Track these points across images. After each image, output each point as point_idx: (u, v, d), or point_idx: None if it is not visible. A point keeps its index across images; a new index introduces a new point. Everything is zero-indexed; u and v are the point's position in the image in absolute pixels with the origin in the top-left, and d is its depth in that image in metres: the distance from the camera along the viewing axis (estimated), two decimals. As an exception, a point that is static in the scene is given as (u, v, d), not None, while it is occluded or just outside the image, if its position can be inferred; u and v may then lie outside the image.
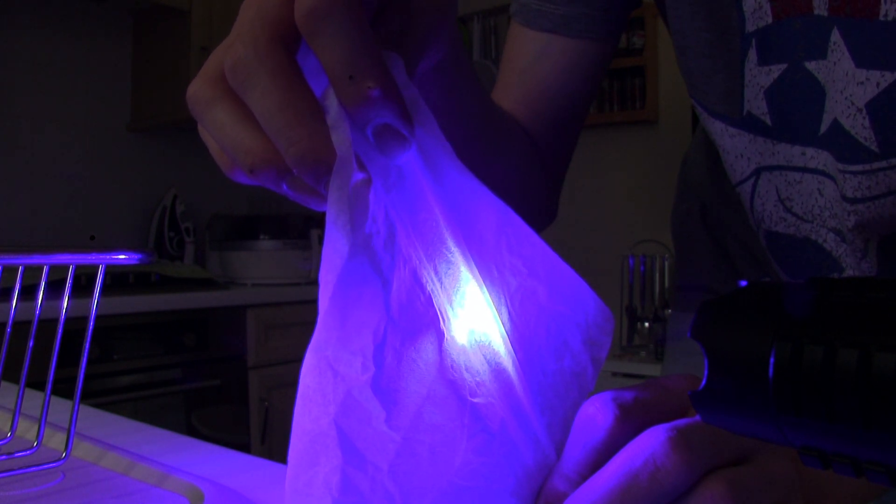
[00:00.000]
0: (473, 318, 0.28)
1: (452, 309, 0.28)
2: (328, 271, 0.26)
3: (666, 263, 2.39)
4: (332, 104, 0.27)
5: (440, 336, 0.28)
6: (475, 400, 0.28)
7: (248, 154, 0.26)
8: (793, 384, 0.20)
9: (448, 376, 0.28)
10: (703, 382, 0.22)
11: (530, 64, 0.58)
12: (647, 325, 2.38)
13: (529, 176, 0.57)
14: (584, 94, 0.59)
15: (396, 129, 0.26)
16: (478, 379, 0.28)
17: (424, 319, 0.28)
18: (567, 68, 0.57)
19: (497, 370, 0.28)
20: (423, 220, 0.28)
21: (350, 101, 0.26)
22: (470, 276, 0.28)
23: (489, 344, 0.28)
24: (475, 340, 0.28)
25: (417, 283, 0.28)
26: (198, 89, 0.27)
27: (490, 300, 0.29)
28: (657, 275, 2.40)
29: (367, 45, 0.25)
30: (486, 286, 0.29)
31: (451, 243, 0.28)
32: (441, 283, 0.28)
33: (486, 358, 0.28)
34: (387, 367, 0.27)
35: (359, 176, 0.26)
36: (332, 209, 0.26)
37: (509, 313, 0.29)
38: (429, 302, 0.28)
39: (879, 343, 0.18)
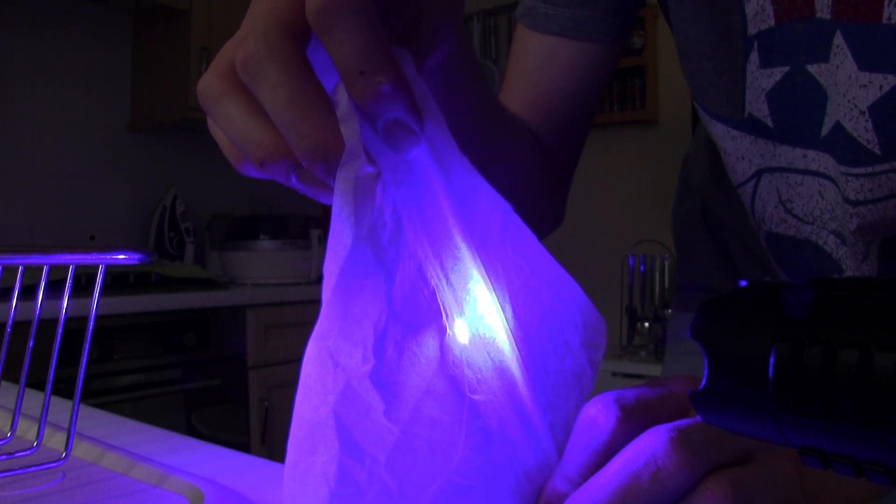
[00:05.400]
0: (479, 314, 0.28)
1: (458, 305, 0.28)
2: (332, 262, 0.26)
3: (666, 263, 2.39)
4: (342, 99, 0.27)
5: (442, 331, 0.28)
6: (475, 397, 0.28)
7: (258, 147, 0.26)
8: (793, 384, 0.20)
9: (449, 372, 0.28)
10: (703, 382, 0.22)
11: (537, 67, 0.58)
12: (647, 325, 2.38)
13: (535, 177, 0.57)
14: (592, 97, 0.59)
15: (406, 124, 0.27)
16: (479, 376, 0.28)
17: (427, 314, 0.28)
18: (575, 71, 0.57)
19: (500, 368, 0.28)
20: (430, 215, 0.28)
21: (361, 96, 0.26)
22: (476, 272, 0.28)
23: (493, 341, 0.28)
24: (479, 337, 0.28)
25: (422, 278, 0.28)
26: (208, 83, 0.28)
27: (495, 298, 0.29)
28: (657, 275, 2.40)
29: (377, 41, 0.26)
30: (491, 283, 0.29)
31: (458, 239, 0.28)
32: (447, 279, 0.28)
33: (489, 355, 0.28)
34: (387, 360, 0.27)
35: (367, 169, 0.26)
36: (338, 201, 0.26)
37: (514, 311, 0.29)
38: (432, 297, 0.28)
39: (879, 343, 0.18)
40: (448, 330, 0.28)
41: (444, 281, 0.28)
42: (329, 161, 0.25)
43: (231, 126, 0.27)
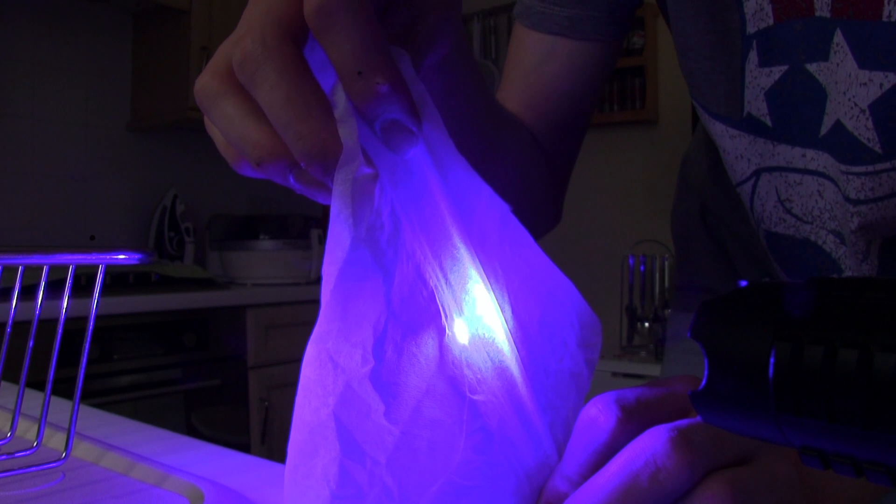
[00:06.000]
0: (478, 315, 0.28)
1: (457, 305, 0.28)
2: (330, 264, 0.26)
3: (666, 263, 2.39)
4: (340, 99, 0.27)
5: (441, 332, 0.28)
6: (475, 397, 0.28)
7: (256, 147, 0.26)
8: (793, 384, 0.20)
9: (448, 372, 0.27)
10: (703, 382, 0.22)
11: (535, 66, 0.58)
12: (647, 325, 2.38)
13: (533, 177, 0.57)
14: (590, 96, 0.59)
15: (404, 124, 0.27)
16: (478, 376, 0.28)
17: (426, 315, 0.28)
18: (572, 70, 0.57)
19: (500, 368, 0.28)
20: (429, 216, 0.28)
21: (358, 97, 0.26)
22: (475, 273, 0.28)
23: (493, 341, 0.28)
24: (478, 337, 0.28)
25: (420, 279, 0.28)
26: (205, 83, 0.28)
27: (494, 298, 0.29)
28: (657, 275, 2.40)
29: (375, 41, 0.26)
30: (490, 284, 0.29)
31: (456, 240, 0.28)
32: (446, 280, 0.28)
33: (489, 355, 0.28)
34: (387, 361, 0.27)
35: (365, 170, 0.26)
36: (337, 202, 0.26)
37: (513, 312, 0.29)
38: (431, 297, 0.28)
39: (879, 343, 0.18)
40: (447, 330, 0.28)
41: (442, 281, 0.28)
42: (327, 161, 0.25)
43: (228, 126, 0.27)
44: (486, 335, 0.28)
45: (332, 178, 0.26)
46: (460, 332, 0.28)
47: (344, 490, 0.26)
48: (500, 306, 0.29)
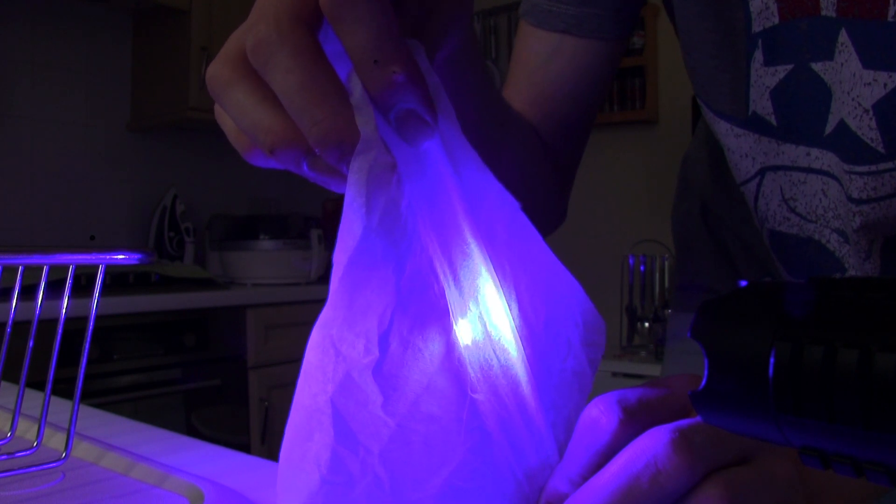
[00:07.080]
0: (486, 312, 0.28)
1: (466, 302, 0.28)
2: (341, 251, 0.26)
3: (666, 263, 2.39)
4: (356, 88, 0.26)
5: (449, 328, 0.28)
6: (476, 396, 0.28)
7: (269, 134, 0.26)
8: (793, 384, 0.20)
9: (452, 369, 0.27)
10: (703, 382, 0.22)
11: (541, 64, 0.58)
12: (647, 325, 2.38)
13: (539, 175, 0.57)
14: (595, 95, 0.59)
15: (420, 115, 0.26)
16: (482, 374, 0.28)
17: (435, 310, 0.27)
18: (578, 69, 0.57)
19: (505, 367, 0.28)
20: (441, 210, 0.28)
21: (374, 86, 0.26)
22: (485, 270, 0.28)
23: (499, 339, 0.28)
24: (485, 335, 0.28)
25: (432, 273, 0.27)
26: (217, 70, 0.27)
27: (503, 296, 0.29)
28: (657, 275, 2.40)
29: (391, 31, 0.25)
30: (499, 281, 0.29)
31: (467, 235, 0.28)
32: (455, 276, 0.28)
33: (495, 353, 0.28)
34: (391, 353, 0.26)
35: (382, 158, 0.26)
36: (351, 190, 0.26)
37: (520, 310, 0.29)
38: (441, 293, 0.27)
39: (879, 343, 0.18)
40: (455, 327, 0.28)
41: (452, 277, 0.28)
42: (342, 147, 0.25)
43: (240, 113, 0.26)
44: (493, 333, 0.28)
45: (347, 165, 0.25)
46: (467, 329, 0.28)
47: (334, 476, 0.26)
48: (507, 304, 0.29)
